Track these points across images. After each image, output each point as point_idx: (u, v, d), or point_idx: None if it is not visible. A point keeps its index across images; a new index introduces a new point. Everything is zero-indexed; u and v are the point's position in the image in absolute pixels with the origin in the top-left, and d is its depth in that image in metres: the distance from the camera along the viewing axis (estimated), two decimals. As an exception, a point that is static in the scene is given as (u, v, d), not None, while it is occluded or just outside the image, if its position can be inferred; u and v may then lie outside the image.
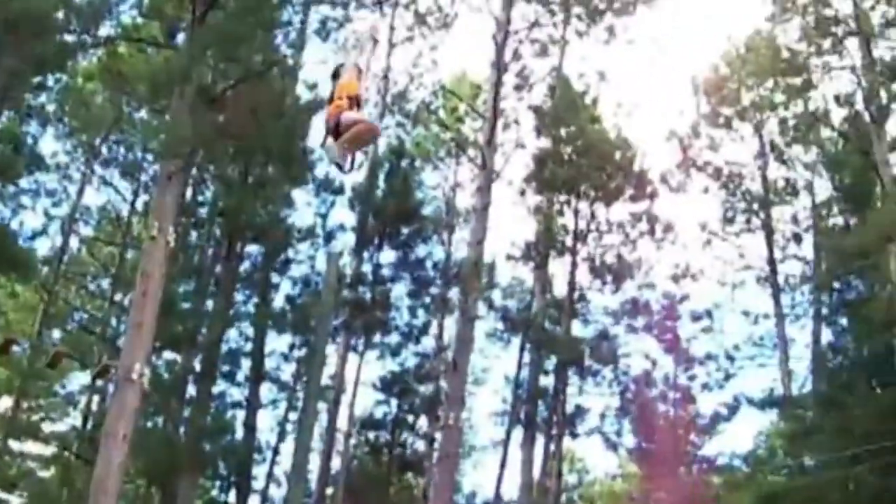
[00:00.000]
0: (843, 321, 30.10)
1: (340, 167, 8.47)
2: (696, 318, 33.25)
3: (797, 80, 23.88)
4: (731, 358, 32.57)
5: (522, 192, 31.68)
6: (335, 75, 8.97)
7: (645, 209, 32.42)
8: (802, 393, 29.79)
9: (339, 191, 30.12)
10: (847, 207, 29.50)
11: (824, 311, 30.79)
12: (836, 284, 30.05)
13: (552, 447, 30.76)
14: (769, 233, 31.88)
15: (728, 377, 32.50)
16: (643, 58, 32.77)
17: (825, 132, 28.06)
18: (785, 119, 28.23)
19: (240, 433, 26.92)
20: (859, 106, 24.98)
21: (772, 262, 31.64)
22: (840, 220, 30.83)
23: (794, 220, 32.06)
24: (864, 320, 26.04)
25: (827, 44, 22.21)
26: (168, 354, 26.00)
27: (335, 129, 8.24)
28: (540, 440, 30.31)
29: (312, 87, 28.71)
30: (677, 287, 33.11)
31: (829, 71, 23.75)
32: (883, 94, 23.04)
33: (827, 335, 30.62)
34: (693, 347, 33.25)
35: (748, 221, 32.39)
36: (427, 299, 31.62)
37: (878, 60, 22.86)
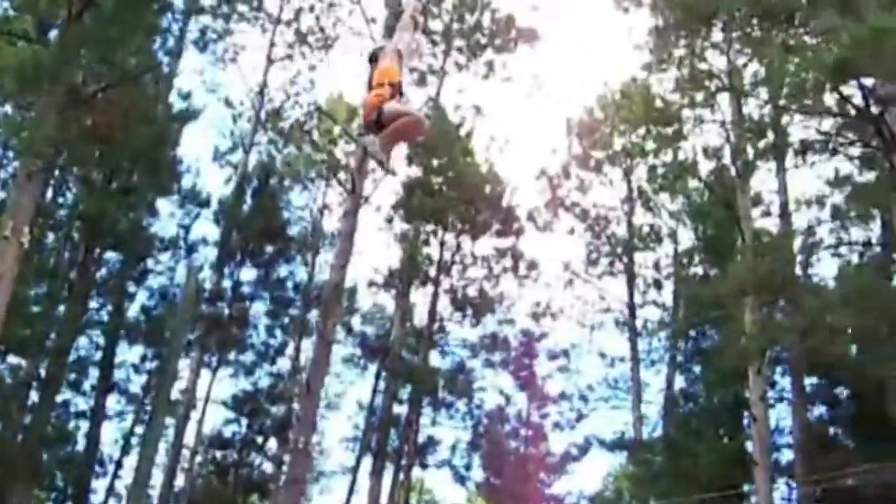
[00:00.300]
0: (697, 369, 30.61)
1: (383, 165, 7.67)
2: (553, 356, 33.58)
3: (669, 130, 24.25)
4: (584, 398, 32.92)
5: (390, 220, 31.60)
6: (373, 59, 8.26)
7: (510, 245, 32.64)
8: (652, 437, 30.18)
9: (205, 203, 29.65)
10: (708, 258, 30.05)
11: (679, 357, 31.26)
12: (692, 333, 30.57)
13: (401, 476, 30.54)
14: (631, 277, 32.30)
15: (581, 417, 32.85)
16: (520, 95, 32.99)
17: (692, 183, 28.61)
18: (654, 167, 28.69)
19: (82, 444, 26.18)
20: (726, 160, 25.49)
21: (631, 306, 32.05)
22: (700, 270, 31.38)
23: (656, 266, 32.56)
24: (716, 370, 26.49)
25: (700, 97, 22.60)
26: (13, 358, 25.11)
27: (377, 122, 7.53)
28: (389, 469, 30.08)
29: (186, 96, 28.24)
30: (537, 325, 33.39)
31: (700, 123, 24.19)
32: (749, 150, 23.53)
33: (680, 382, 31.11)
34: (548, 386, 33.54)
35: (611, 265, 32.78)
36: (286, 320, 31.28)
37: (747, 117, 23.33)
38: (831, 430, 27.82)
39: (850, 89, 16.80)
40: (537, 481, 32.53)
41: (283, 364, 31.52)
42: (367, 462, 29.98)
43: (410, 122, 7.67)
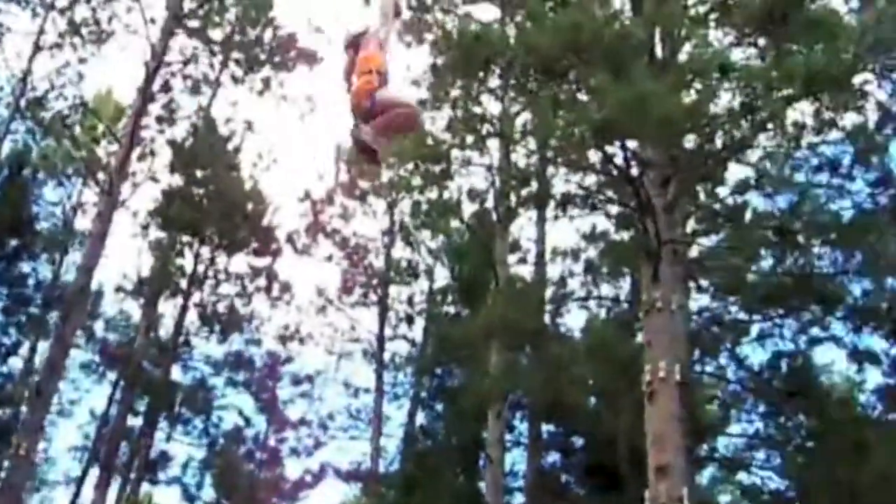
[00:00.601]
0: (439, 407, 30.88)
1: (376, 155, 7.13)
2: (297, 381, 33.18)
3: (437, 168, 24.37)
4: (324, 426, 32.66)
5: (146, 226, 30.73)
6: (350, 45, 7.81)
7: (266, 265, 32.24)
8: (389, 471, 30.23)
9: (-54, 192, 28.17)
10: (461, 298, 30.40)
11: (423, 394, 31.47)
12: (438, 370, 30.83)
13: (128, 490, 29.55)
14: (384, 310, 32.33)
15: (319, 445, 32.56)
16: (294, 116, 32.73)
17: (454, 223, 28.85)
18: (419, 203, 28.74)
19: None
20: (490, 204, 25.88)
21: (381, 338, 32.04)
22: (452, 309, 31.73)
23: (410, 301, 32.70)
24: (458, 409, 26.75)
25: (470, 139, 22.83)
26: None
27: (369, 111, 7.05)
28: (117, 482, 29.07)
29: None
30: (284, 348, 32.98)
31: (467, 165, 24.40)
32: (513, 197, 23.93)
33: (421, 418, 31.32)
34: (289, 410, 33.14)
35: (365, 295, 32.73)
36: (23, 318, 29.92)
37: (514, 165, 23.74)
38: (563, 478, 28.52)
39: (614, 149, 17.27)
40: (269, 506, 32.14)
41: (16, 364, 30.22)
42: (93, 473, 28.94)
43: (407, 114, 7.38)
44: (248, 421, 32.49)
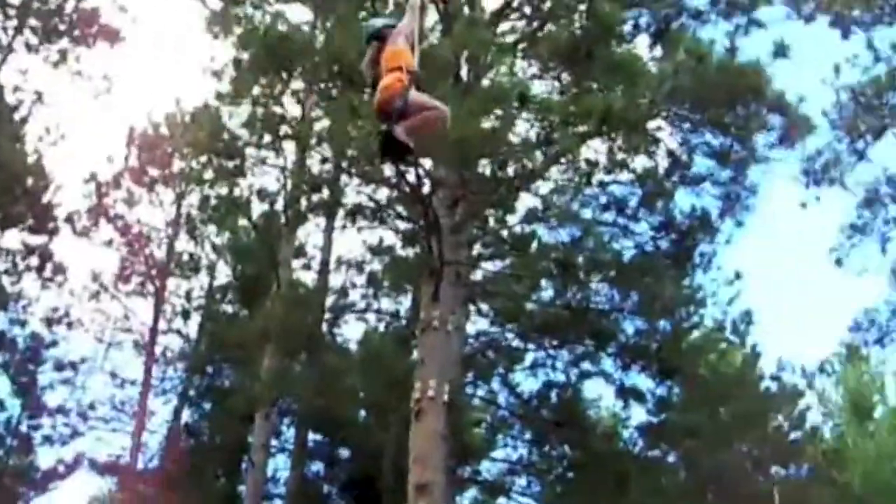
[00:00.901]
0: (207, 406, 30.33)
1: (410, 153, 6.89)
2: (59, 367, 31.91)
3: (230, 164, 23.98)
4: (84, 416, 31.51)
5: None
6: (375, 37, 7.50)
7: (41, 243, 30.97)
8: (149, 467, 29.49)
9: None
10: (241, 298, 29.94)
11: (192, 391, 30.85)
12: (210, 369, 30.30)
13: None
14: (160, 302, 31.54)
15: (76, 434, 31.36)
16: (88, 93, 31.61)
17: (241, 221, 28.40)
18: (208, 197, 28.23)
19: None
20: (279, 206, 25.56)
21: (154, 331, 31.23)
22: (230, 308, 31.25)
23: (188, 296, 31.99)
24: (226, 410, 26.34)
25: (267, 139, 22.54)
26: None
27: (401, 110, 6.67)
28: None
29: None
30: (50, 331, 31.68)
31: (261, 164, 24.09)
32: (303, 202, 23.72)
33: (187, 416, 30.69)
34: (47, 396, 31.81)
35: (143, 285, 31.86)
36: None
37: (308, 169, 23.50)
38: (326, 488, 28.45)
39: (407, 165, 17.30)
40: (14, 496, 30.71)
41: None
42: None
43: (436, 117, 7.08)
44: (1, 404, 31.04)
